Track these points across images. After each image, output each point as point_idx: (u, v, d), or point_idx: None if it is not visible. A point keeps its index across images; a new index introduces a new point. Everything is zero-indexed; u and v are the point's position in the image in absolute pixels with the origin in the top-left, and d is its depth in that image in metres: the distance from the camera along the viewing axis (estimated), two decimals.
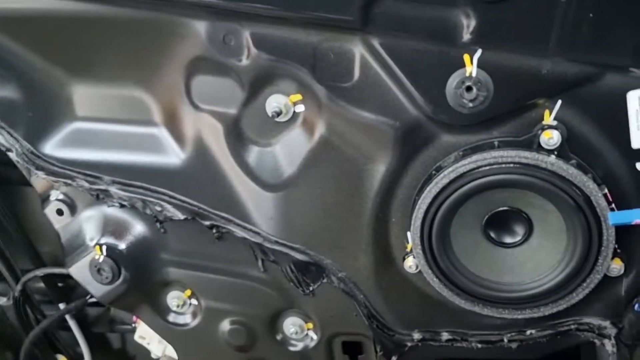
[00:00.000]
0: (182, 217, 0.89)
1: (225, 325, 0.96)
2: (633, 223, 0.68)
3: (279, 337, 0.95)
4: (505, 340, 0.85)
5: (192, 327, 0.97)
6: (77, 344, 1.26)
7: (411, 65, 0.71)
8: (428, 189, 0.76)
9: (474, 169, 0.73)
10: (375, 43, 0.72)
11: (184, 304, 0.96)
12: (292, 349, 0.95)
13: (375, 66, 0.73)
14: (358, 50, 0.73)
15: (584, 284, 0.76)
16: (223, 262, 0.92)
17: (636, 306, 0.76)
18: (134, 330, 1.27)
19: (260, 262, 0.89)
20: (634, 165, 0.71)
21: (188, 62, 0.81)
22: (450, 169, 0.74)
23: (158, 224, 0.91)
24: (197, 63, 0.80)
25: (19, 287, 1.12)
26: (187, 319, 0.98)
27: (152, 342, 1.05)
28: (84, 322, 1.24)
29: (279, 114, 0.80)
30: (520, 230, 0.78)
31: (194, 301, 0.96)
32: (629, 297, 0.78)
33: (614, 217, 0.68)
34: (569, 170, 0.71)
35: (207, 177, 0.87)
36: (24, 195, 1.22)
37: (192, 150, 0.86)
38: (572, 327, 0.83)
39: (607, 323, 0.81)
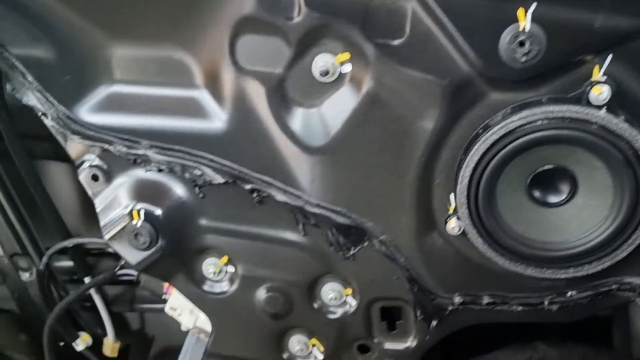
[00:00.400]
0: (222, 180, 0.88)
1: (262, 292, 0.95)
2: None
3: (317, 304, 0.95)
4: (546, 302, 0.86)
5: (229, 295, 0.97)
6: (97, 325, 1.25)
7: (464, 20, 0.72)
8: (476, 146, 0.76)
9: (524, 124, 0.74)
10: None
11: (221, 271, 0.95)
12: (330, 316, 0.95)
13: (427, 22, 0.74)
14: (410, 6, 0.74)
15: (630, 241, 0.77)
16: (262, 227, 0.92)
17: None
18: (154, 310, 1.26)
19: (301, 226, 0.89)
20: None
21: (235, 22, 0.81)
22: (499, 126, 0.75)
23: (197, 189, 0.91)
24: (244, 22, 0.80)
25: (44, 259, 1.11)
26: (223, 286, 0.97)
27: (184, 314, 1.04)
28: (105, 301, 1.23)
29: (326, 73, 0.80)
30: (565, 188, 0.79)
31: (230, 268, 0.95)
32: None
33: None
34: (618, 125, 0.72)
35: (249, 139, 0.87)
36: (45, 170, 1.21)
37: (234, 113, 0.86)
38: (614, 287, 0.84)
39: None
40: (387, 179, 0.84)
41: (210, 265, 0.96)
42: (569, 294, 0.85)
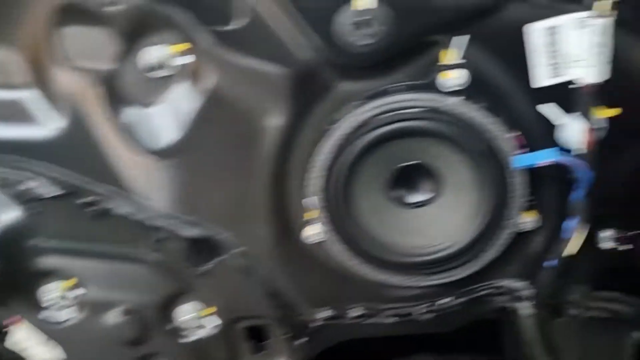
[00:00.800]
0: (54, 194, 0.78)
1: (114, 317, 0.84)
2: (537, 165, 0.63)
3: (172, 326, 0.84)
4: (419, 312, 0.79)
5: (77, 322, 0.85)
6: None
7: (300, 1, 0.65)
8: (324, 144, 0.69)
9: (371, 117, 0.67)
10: None
11: (65, 296, 0.84)
12: (189, 339, 0.84)
13: (263, 4, 0.66)
14: None
15: (496, 241, 0.70)
16: (107, 244, 0.80)
17: (551, 263, 0.71)
18: None
19: (148, 241, 0.79)
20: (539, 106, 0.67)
21: (53, 11, 0.71)
22: (347, 119, 0.68)
23: (26, 205, 0.79)
24: (64, 12, 0.70)
25: None
26: (70, 312, 0.85)
27: (34, 346, 0.92)
28: None
29: (158, 67, 0.71)
30: (427, 187, 0.72)
31: (76, 292, 0.84)
32: (543, 254, 0.73)
33: (517, 161, 0.63)
34: (473, 113, 0.66)
35: (83, 145, 0.76)
36: None
37: (66, 115, 0.75)
38: (488, 291, 0.77)
39: (522, 284, 0.75)
40: (239, 183, 0.75)
41: (53, 290, 0.84)
42: (442, 301, 0.78)
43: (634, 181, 0.68)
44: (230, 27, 0.67)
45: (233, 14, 0.67)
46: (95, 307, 0.83)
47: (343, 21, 0.64)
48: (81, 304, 0.84)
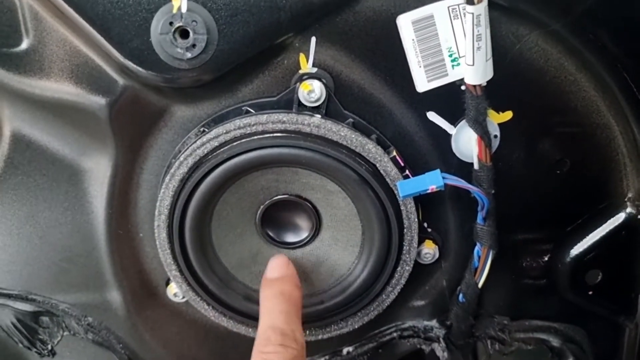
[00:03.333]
0: None
1: None
2: (429, 191, 0.51)
3: None
4: None
5: None
6: None
7: (96, 9, 0.49)
8: (164, 185, 0.54)
9: (215, 148, 0.52)
10: None
11: None
12: None
13: (47, 17, 0.50)
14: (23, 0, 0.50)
15: (394, 280, 0.57)
16: None
17: (460, 296, 0.60)
18: None
19: None
20: (425, 115, 0.54)
21: None
22: (186, 153, 0.53)
23: None
24: None
25: None
26: None
27: None
28: None
29: None
30: (306, 223, 0.58)
31: None
32: (452, 285, 0.61)
33: (403, 188, 0.50)
34: (341, 132, 0.52)
35: None
36: None
37: None
38: (395, 335, 0.64)
39: (433, 323, 0.63)
40: (69, 242, 0.59)
41: None
42: (344, 351, 0.65)
43: (541, 194, 0.57)
44: (15, 49, 0.51)
45: (15, 32, 0.50)
46: None
47: (154, 32, 0.48)
48: None
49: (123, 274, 0.61)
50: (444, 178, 0.49)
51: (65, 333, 0.63)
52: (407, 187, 0.50)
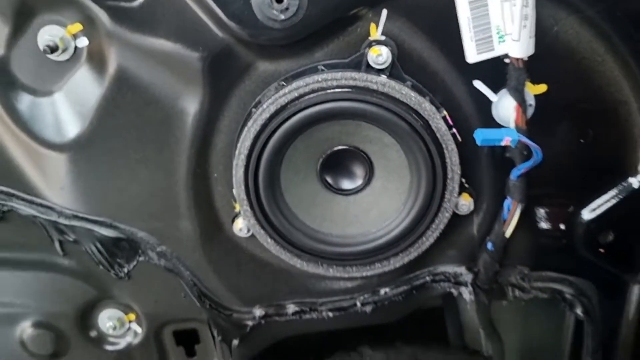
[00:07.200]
0: None
1: (24, 330, 0.76)
2: (502, 143, 0.59)
3: (93, 335, 0.77)
4: (359, 304, 0.74)
5: None
6: None
7: None
8: (246, 129, 0.63)
9: (296, 98, 0.61)
10: None
11: None
12: (111, 348, 0.77)
13: None
14: None
15: (433, 226, 0.66)
16: (10, 251, 0.73)
17: (489, 245, 0.69)
18: None
19: (57, 244, 0.72)
20: (472, 83, 0.63)
21: None
22: (269, 101, 0.62)
23: None
24: None
25: None
26: None
27: None
28: None
29: (54, 49, 0.63)
30: (360, 172, 0.68)
31: None
32: (481, 237, 0.70)
33: (481, 135, 0.59)
34: (402, 91, 0.61)
35: None
36: None
37: None
38: (427, 278, 0.73)
39: (462, 269, 0.72)
40: (154, 177, 0.68)
41: None
42: (382, 292, 0.74)
43: (566, 159, 0.66)
44: (129, 4, 0.60)
45: None
46: (1, 322, 0.75)
47: None
48: None
49: (196, 209, 0.69)
50: (516, 135, 0.58)
51: (141, 259, 0.72)
52: (484, 135, 0.59)
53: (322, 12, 0.59)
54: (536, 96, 0.63)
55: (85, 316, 0.76)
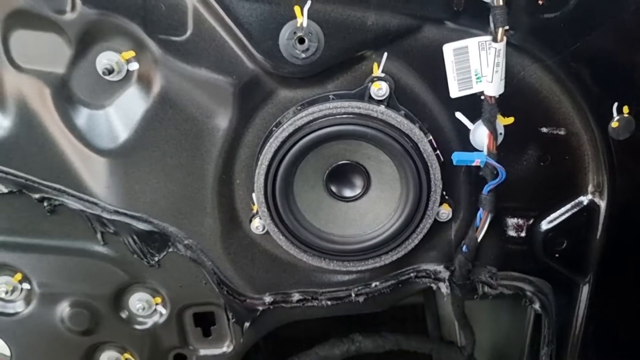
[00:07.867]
0: (5, 190, 0.81)
1: (64, 309, 0.88)
2: (474, 163, 0.73)
3: (124, 315, 0.90)
4: (353, 294, 0.88)
5: (25, 316, 0.88)
6: None
7: (244, 18, 0.71)
8: (268, 144, 0.76)
9: (311, 121, 0.75)
10: None
11: (14, 289, 0.87)
12: (140, 327, 0.90)
13: (208, 18, 0.72)
14: (190, 2, 0.72)
15: (418, 230, 0.80)
16: (57, 239, 0.85)
17: (463, 248, 0.83)
18: None
19: (99, 235, 0.84)
20: (454, 114, 0.77)
21: (5, 15, 0.74)
22: (288, 122, 0.75)
23: None
24: (15, 17, 0.74)
25: None
26: (18, 306, 0.88)
27: None
28: None
29: (110, 72, 0.76)
30: (359, 183, 0.81)
31: (25, 285, 0.87)
32: (458, 240, 0.84)
33: (457, 157, 0.73)
34: (397, 119, 0.75)
35: (35, 145, 0.80)
36: None
37: (16, 117, 0.78)
38: (412, 274, 0.87)
39: (441, 267, 0.86)
40: (186, 181, 0.81)
41: (2, 285, 0.87)
42: (373, 284, 0.88)
43: (529, 178, 0.80)
44: (177, 38, 0.74)
45: (179, 26, 0.73)
46: (44, 301, 0.87)
47: (282, 38, 0.71)
48: (28, 297, 0.88)
49: (219, 209, 0.82)
50: (484, 157, 0.73)
51: (170, 250, 0.84)
52: (459, 157, 0.73)
53: (335, 53, 0.73)
54: (505, 126, 0.78)
55: (118, 298, 0.88)
